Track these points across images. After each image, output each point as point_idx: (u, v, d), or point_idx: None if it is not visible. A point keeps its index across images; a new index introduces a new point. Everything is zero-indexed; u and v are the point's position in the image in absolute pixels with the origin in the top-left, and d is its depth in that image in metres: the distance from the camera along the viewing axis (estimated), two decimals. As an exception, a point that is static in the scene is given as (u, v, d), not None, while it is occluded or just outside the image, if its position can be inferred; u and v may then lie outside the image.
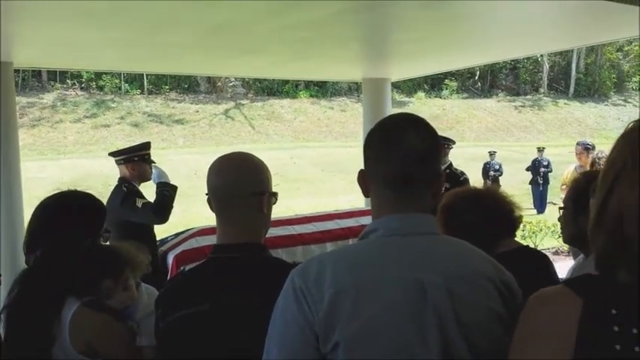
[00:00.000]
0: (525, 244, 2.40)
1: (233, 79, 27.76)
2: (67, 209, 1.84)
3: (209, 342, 1.36)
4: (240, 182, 1.47)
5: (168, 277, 3.72)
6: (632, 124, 0.93)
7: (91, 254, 1.79)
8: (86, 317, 1.64)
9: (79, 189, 1.96)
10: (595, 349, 0.83)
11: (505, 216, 2.04)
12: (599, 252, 0.91)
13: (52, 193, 1.88)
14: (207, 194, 1.52)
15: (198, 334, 1.37)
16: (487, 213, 1.98)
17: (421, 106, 29.41)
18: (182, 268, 3.69)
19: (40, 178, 13.91)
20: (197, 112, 26.47)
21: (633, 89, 34.53)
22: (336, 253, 1.25)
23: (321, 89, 29.67)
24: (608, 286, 0.88)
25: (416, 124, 1.25)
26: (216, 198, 1.49)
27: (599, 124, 30.33)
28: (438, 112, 28.98)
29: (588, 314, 0.85)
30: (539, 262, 2.06)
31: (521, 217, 2.10)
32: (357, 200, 12.76)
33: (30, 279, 1.74)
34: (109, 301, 1.75)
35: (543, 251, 3.57)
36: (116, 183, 4.02)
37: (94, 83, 26.28)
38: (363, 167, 1.30)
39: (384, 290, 1.11)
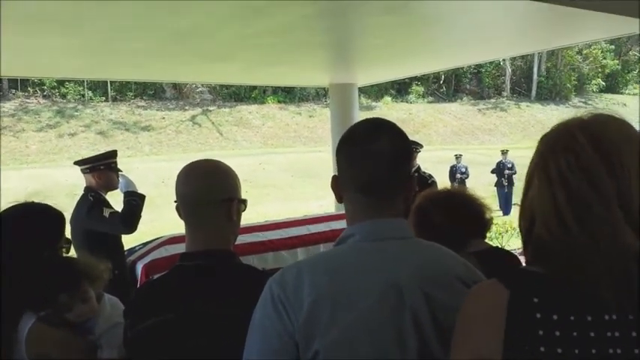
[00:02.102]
0: (495, 244, 2.43)
1: (200, 86, 27.52)
2: (22, 221, 1.80)
3: (176, 351, 1.35)
4: (208, 189, 1.46)
5: (137, 287, 3.67)
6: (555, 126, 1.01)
7: (46, 267, 1.74)
8: (42, 332, 1.61)
9: (42, 199, 1.92)
10: (521, 335, 0.91)
11: (476, 217, 2.06)
12: (523, 245, 1.01)
13: (9, 206, 1.84)
14: (175, 202, 1.51)
15: (165, 343, 1.36)
16: (458, 214, 1.99)
17: (388, 110, 29.66)
18: (151, 277, 3.66)
19: (3, 189, 13.52)
20: (163, 118, 26.14)
21: (593, 91, 35.53)
22: (313, 259, 1.25)
23: (289, 95, 29.66)
24: (530, 277, 0.97)
25: (387, 129, 1.26)
26: (185, 205, 1.48)
27: (561, 126, 30.97)
28: (404, 116, 29.27)
29: (514, 303, 0.94)
30: (509, 262, 2.08)
31: (491, 218, 2.13)
32: (327, 205, 12.80)
33: None
34: (67, 314, 1.70)
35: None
36: (82, 192, 3.94)
37: (57, 91, 25.72)
38: (335, 173, 1.30)
39: (362, 296, 1.12)
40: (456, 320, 1.02)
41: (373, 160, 1.21)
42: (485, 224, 2.09)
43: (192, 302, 1.37)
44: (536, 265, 0.98)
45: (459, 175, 15.34)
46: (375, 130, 1.25)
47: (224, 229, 1.49)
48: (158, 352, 1.36)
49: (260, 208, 13.12)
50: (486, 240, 2.17)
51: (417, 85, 31.99)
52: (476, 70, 33.93)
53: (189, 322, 1.35)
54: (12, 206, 1.84)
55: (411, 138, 1.40)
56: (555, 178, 0.95)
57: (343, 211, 1.32)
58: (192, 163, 1.53)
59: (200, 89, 28.17)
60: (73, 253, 2.42)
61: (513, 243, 8.92)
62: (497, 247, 2.26)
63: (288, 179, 19.45)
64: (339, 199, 1.30)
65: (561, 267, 0.93)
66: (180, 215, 1.52)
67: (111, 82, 25.80)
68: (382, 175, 1.21)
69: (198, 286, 1.40)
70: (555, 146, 0.97)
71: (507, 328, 0.92)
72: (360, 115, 6.52)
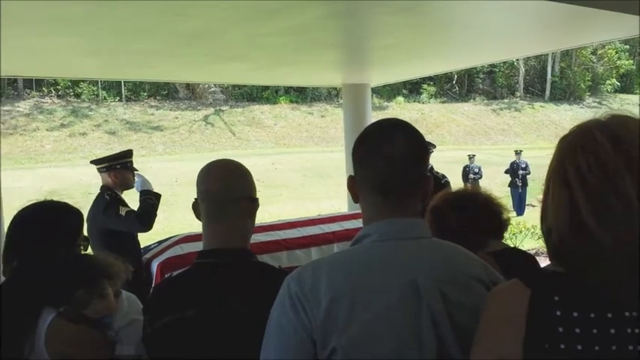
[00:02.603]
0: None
1: (212, 86, 27.65)
2: (40, 219, 1.83)
3: (195, 348, 1.36)
4: (233, 187, 1.49)
5: (152, 285, 3.71)
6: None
7: (65, 264, 1.77)
8: (61, 328, 1.63)
9: (58, 198, 1.95)
10: (541, 333, 0.92)
11: (493, 218, 2.05)
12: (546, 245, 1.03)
13: (27, 204, 1.87)
14: (195, 199, 1.53)
15: (184, 340, 1.37)
16: (476, 215, 1.99)
17: (400, 110, 29.59)
18: (169, 274, 3.70)
19: (17, 188, 13.68)
20: (176, 118, 26.30)
21: (608, 92, 35.18)
22: (331, 258, 1.26)
23: (301, 95, 29.70)
24: (551, 275, 0.98)
25: (403, 128, 1.27)
26: (208, 202, 1.49)
27: (574, 127, 30.70)
28: (417, 116, 29.20)
29: (535, 302, 0.95)
30: (527, 262, 2.08)
31: (509, 219, 2.12)
32: (339, 205, 12.80)
33: (5, 290, 1.72)
34: (85, 310, 1.73)
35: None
36: (98, 191, 3.99)
37: (71, 91, 25.97)
38: (351, 173, 1.30)
39: (379, 295, 1.12)
40: (479, 321, 1.03)
41: (390, 159, 1.21)
42: (502, 224, 2.09)
43: (211, 299, 1.38)
44: (557, 264, 0.99)
45: (472, 176, 15.27)
46: (392, 130, 1.26)
47: (244, 227, 1.52)
48: (177, 349, 1.38)
49: (272, 208, 13.17)
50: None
51: (429, 85, 31.88)
52: (489, 70, 33.74)
53: (209, 319, 1.36)
54: (32, 204, 1.88)
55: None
56: (575, 179, 0.95)
57: (356, 211, 1.33)
58: (216, 161, 1.55)
59: (213, 89, 28.29)
60: (90, 251, 2.46)
61: (527, 244, 8.87)
62: (514, 247, 2.25)
63: (300, 179, 19.47)
64: (356, 199, 1.30)
65: (582, 266, 0.94)
66: (196, 213, 1.53)
67: (124, 82, 25.99)
68: (399, 174, 1.22)
69: (217, 284, 1.41)
70: (575, 147, 0.97)
71: (528, 327, 0.93)
72: (373, 116, 6.53)
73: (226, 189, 1.48)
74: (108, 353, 1.71)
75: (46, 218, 1.84)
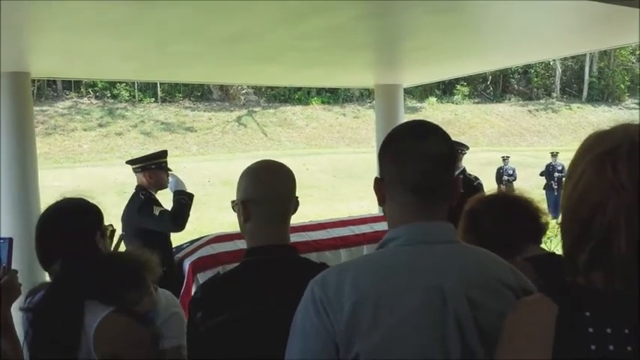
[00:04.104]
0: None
1: (245, 87, 27.89)
2: (61, 218, 1.85)
3: (250, 346, 1.37)
4: (288, 187, 1.55)
5: (184, 284, 3.76)
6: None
7: (114, 263, 1.81)
8: (112, 324, 1.66)
9: (92, 197, 1.98)
10: (572, 351, 0.87)
11: (531, 222, 1.98)
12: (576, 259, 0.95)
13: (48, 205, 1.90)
14: (237, 201, 1.53)
15: (240, 337, 1.38)
16: (512, 219, 1.92)
17: (433, 111, 29.35)
18: (197, 274, 3.74)
19: (55, 187, 14.05)
20: (210, 119, 26.62)
21: (648, 93, 34.22)
22: (356, 262, 1.25)
23: (333, 95, 29.71)
24: (581, 290, 0.92)
25: (434, 130, 1.26)
26: (261, 200, 1.50)
27: (613, 128, 29.92)
28: (450, 117, 28.91)
29: (564, 318, 0.90)
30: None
31: (547, 223, 2.04)
32: (369, 206, 12.76)
33: (55, 288, 1.76)
34: (135, 307, 1.77)
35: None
36: (133, 191, 4.07)
37: (108, 92, 26.54)
38: (377, 175, 1.29)
39: (405, 299, 1.11)
40: (500, 336, 0.99)
41: (425, 158, 1.20)
42: (540, 229, 2.00)
43: (265, 297, 1.39)
44: (587, 276, 0.93)
45: (506, 178, 15.04)
46: (423, 130, 1.25)
47: (288, 225, 1.56)
48: (232, 348, 1.39)
49: (302, 209, 13.11)
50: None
51: (462, 85, 31.53)
52: (524, 70, 33.16)
53: (263, 317, 1.37)
54: (50, 205, 1.91)
55: (456, 139, 1.39)
56: (612, 185, 0.90)
57: (386, 213, 1.31)
58: (264, 163, 1.59)
59: (245, 90, 28.55)
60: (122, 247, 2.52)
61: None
62: (553, 253, 2.18)
63: (331, 180, 19.49)
64: (382, 201, 1.28)
65: (615, 279, 0.89)
66: (238, 211, 1.53)
67: (160, 84, 26.44)
68: (433, 175, 1.20)
69: (270, 281, 1.43)
70: (615, 150, 0.92)
71: (556, 345, 0.89)
72: (406, 117, 6.49)
73: (283, 190, 1.53)
74: (154, 348, 1.75)
75: (66, 215, 1.86)
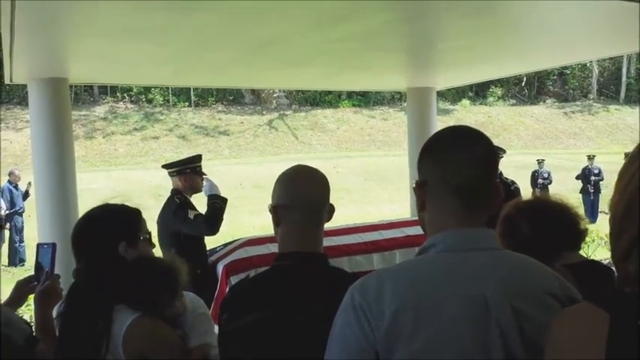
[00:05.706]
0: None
1: (277, 91, 28.06)
2: (94, 221, 1.91)
3: (275, 348, 1.38)
4: (324, 192, 1.55)
5: (217, 286, 3.81)
6: None
7: (149, 268, 1.84)
8: (141, 327, 1.69)
9: (126, 200, 2.02)
10: None
11: (570, 228, 1.96)
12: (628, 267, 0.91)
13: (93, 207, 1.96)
14: (275, 204, 1.54)
15: (263, 339, 1.40)
16: (550, 225, 1.90)
17: (466, 113, 28.99)
18: (231, 277, 3.78)
19: (92, 190, 14.37)
20: (242, 123, 26.85)
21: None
22: (395, 268, 1.25)
23: (364, 98, 29.63)
24: (630, 298, 0.88)
25: (478, 135, 1.26)
26: (290, 206, 1.50)
27: (652, 131, 29.16)
28: (483, 119, 28.50)
29: (616, 328, 0.86)
30: (605, 276, 1.93)
31: (587, 229, 2.01)
32: (400, 209, 12.68)
33: (80, 290, 1.80)
34: (165, 312, 1.81)
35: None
36: (168, 194, 4.14)
37: (144, 96, 27.02)
38: (417, 178, 1.28)
39: (446, 307, 1.09)
40: (547, 345, 0.96)
41: (471, 164, 1.20)
42: (579, 235, 1.98)
43: (290, 301, 1.40)
44: (634, 284, 0.89)
45: (541, 181, 14.78)
46: (470, 136, 1.25)
47: (321, 232, 1.56)
48: (257, 349, 1.40)
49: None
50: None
51: (496, 87, 31.06)
52: (560, 72, 32.48)
53: (288, 320, 1.38)
54: (103, 205, 1.97)
55: (491, 142, 1.37)
56: None
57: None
58: (299, 168, 1.59)
59: (277, 94, 28.71)
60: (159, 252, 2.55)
61: (599, 253, 8.48)
62: (592, 259, 2.12)
63: (361, 183, 19.42)
64: (422, 207, 1.27)
65: None
66: (275, 216, 1.53)
67: (193, 89, 26.81)
68: (479, 179, 1.20)
69: (297, 285, 1.44)
70: None
71: (609, 356, 0.85)
72: (437, 119, 6.43)
73: (313, 197, 1.53)
74: (182, 350, 1.78)
75: (101, 219, 1.91)
